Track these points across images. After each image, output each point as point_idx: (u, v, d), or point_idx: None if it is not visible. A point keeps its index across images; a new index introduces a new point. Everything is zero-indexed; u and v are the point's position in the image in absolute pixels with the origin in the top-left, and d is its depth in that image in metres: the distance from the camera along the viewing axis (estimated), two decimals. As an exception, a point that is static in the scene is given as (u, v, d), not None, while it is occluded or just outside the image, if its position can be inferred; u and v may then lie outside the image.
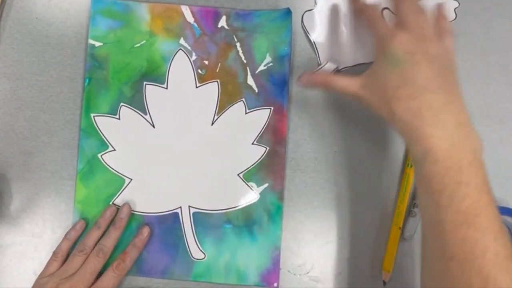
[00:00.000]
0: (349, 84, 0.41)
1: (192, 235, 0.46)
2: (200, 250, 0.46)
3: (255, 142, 0.47)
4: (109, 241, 0.44)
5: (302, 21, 0.48)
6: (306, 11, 0.48)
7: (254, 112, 0.47)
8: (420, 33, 0.38)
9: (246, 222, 0.46)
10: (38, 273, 0.44)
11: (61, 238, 0.45)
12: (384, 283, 0.46)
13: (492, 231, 0.33)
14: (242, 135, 0.47)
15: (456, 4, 0.49)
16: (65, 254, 0.44)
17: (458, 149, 0.35)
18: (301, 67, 0.48)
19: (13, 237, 0.46)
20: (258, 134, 0.47)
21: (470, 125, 0.36)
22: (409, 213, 0.47)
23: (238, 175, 0.47)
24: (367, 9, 0.44)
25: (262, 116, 0.47)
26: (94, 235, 0.44)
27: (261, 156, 0.47)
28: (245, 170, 0.47)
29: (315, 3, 0.48)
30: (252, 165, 0.47)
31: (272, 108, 0.47)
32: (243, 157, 0.47)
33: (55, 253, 0.44)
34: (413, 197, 0.47)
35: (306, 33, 0.48)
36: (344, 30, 0.48)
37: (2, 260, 0.46)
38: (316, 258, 0.46)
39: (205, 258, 0.46)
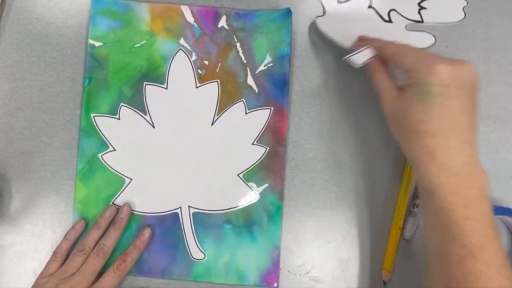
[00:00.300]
0: (386, 90, 0.41)
1: (192, 235, 0.46)
2: (200, 250, 0.46)
3: (255, 142, 0.47)
4: (109, 241, 0.44)
5: (317, 27, 0.47)
6: (317, 16, 0.47)
7: (254, 112, 0.47)
8: (453, 60, 0.37)
9: (246, 222, 0.46)
10: (38, 273, 0.44)
11: (61, 238, 0.45)
12: (384, 283, 0.46)
13: (496, 265, 0.34)
14: (242, 135, 0.47)
15: (464, 3, 0.48)
16: (65, 254, 0.44)
17: (464, 186, 0.35)
18: (301, 67, 0.48)
19: (13, 237, 0.46)
20: (258, 134, 0.47)
21: (478, 163, 0.36)
22: (409, 213, 0.47)
23: (238, 175, 0.47)
24: (388, 46, 0.41)
25: (262, 116, 0.47)
26: (94, 235, 0.44)
27: (261, 156, 0.47)
28: (245, 170, 0.47)
29: (323, 13, 0.48)
30: (252, 165, 0.47)
31: (272, 108, 0.47)
32: (243, 157, 0.47)
33: (55, 253, 0.44)
34: (413, 197, 0.47)
35: (324, 36, 0.46)
36: (357, 33, 0.46)
37: (2, 260, 0.46)
38: (316, 258, 0.46)
39: (205, 258, 0.46)
